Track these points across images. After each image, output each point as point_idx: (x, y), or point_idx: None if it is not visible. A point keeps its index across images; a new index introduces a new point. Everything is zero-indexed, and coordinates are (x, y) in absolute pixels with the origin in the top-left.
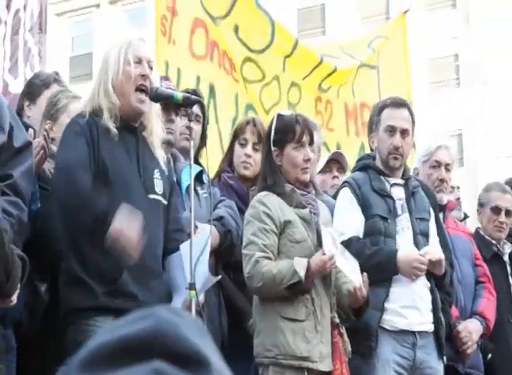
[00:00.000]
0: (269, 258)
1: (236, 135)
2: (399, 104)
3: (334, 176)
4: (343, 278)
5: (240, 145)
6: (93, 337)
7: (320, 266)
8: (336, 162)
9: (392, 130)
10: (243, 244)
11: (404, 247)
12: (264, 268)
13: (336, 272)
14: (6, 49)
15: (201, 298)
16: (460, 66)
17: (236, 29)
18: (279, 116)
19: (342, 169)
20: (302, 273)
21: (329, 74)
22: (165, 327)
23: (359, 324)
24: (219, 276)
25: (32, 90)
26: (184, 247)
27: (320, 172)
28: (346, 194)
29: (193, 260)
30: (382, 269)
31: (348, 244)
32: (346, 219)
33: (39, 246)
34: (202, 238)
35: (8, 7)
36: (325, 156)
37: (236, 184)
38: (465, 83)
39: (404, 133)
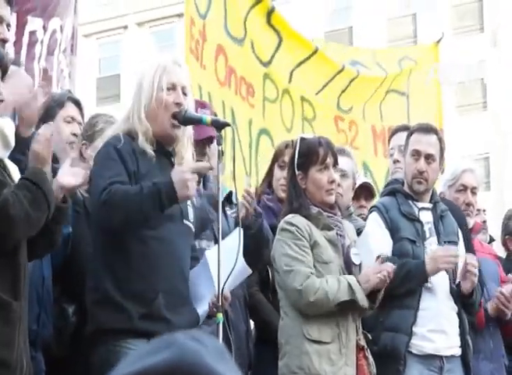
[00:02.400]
0: (313, 274)
1: (276, 158)
2: (426, 129)
3: (361, 206)
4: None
5: (279, 168)
6: (115, 368)
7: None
8: (365, 188)
9: (417, 154)
10: (284, 262)
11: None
12: (316, 284)
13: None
14: (42, 68)
15: (228, 293)
16: (487, 90)
17: (252, 46)
18: (302, 139)
19: (370, 196)
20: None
21: (347, 86)
22: (186, 356)
23: (387, 348)
24: (251, 271)
25: (47, 112)
26: (210, 254)
27: None
28: (374, 218)
29: (228, 269)
30: (411, 277)
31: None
32: (374, 241)
33: (68, 269)
34: (234, 240)
35: (44, 27)
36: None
37: (276, 206)
38: (492, 107)
39: (429, 158)
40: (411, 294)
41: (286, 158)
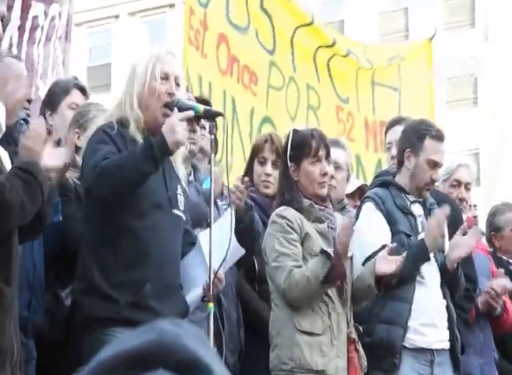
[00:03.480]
0: (300, 266)
1: (255, 153)
2: (442, 138)
3: (356, 206)
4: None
5: (259, 163)
6: (101, 351)
7: (343, 234)
8: (361, 189)
9: (435, 164)
10: (272, 257)
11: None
12: (297, 276)
13: (351, 284)
14: (40, 54)
15: (223, 276)
16: (477, 85)
17: (257, 34)
18: (295, 131)
19: None
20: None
21: (329, 59)
22: (166, 338)
23: (383, 341)
24: (244, 251)
25: (52, 99)
26: (203, 236)
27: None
28: (370, 208)
29: (222, 250)
30: (418, 259)
31: None
32: (374, 230)
33: (60, 254)
34: (226, 222)
35: (45, 13)
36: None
37: (260, 198)
38: (483, 103)
39: (440, 167)
40: (406, 286)
41: (266, 154)
